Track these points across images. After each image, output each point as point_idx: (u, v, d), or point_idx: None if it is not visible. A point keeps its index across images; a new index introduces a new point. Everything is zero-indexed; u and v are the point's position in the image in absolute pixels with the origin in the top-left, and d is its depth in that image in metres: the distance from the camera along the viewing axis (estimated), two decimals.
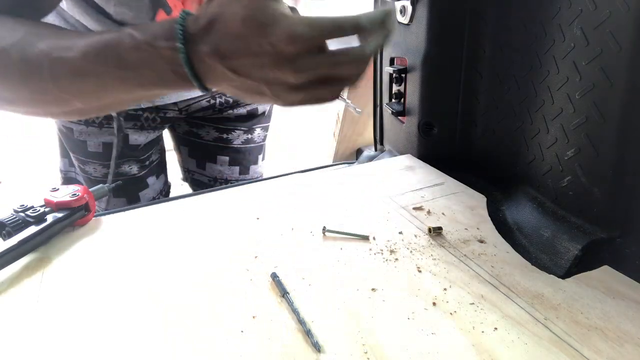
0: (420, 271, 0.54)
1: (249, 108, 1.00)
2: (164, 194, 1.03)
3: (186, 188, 1.12)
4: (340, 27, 0.40)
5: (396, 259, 0.56)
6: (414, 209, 0.68)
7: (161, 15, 0.64)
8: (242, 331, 0.45)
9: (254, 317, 0.47)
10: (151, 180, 0.97)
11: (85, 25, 0.74)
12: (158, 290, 0.51)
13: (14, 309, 0.49)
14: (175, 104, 0.91)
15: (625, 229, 0.53)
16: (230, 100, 0.97)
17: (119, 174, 0.91)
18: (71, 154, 0.91)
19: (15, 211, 0.60)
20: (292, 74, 0.40)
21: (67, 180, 0.96)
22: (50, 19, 0.76)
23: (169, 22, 0.44)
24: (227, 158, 1.02)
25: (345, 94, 0.59)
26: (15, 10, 0.53)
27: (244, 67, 0.41)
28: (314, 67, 0.40)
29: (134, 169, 0.93)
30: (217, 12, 0.41)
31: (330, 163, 1.45)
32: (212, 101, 0.94)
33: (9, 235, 0.57)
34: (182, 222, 0.65)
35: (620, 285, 0.51)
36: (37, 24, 0.53)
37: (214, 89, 0.44)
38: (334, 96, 0.44)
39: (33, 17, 0.55)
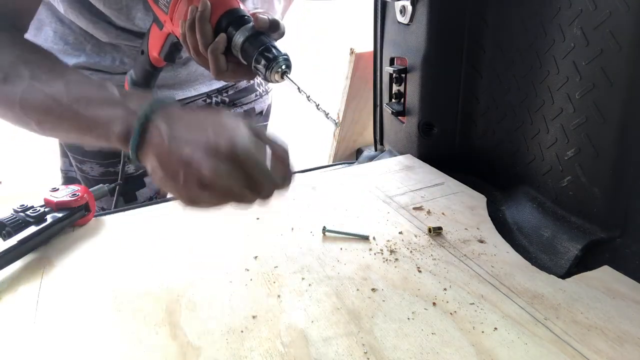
0: (420, 271, 0.54)
1: (245, 108, 1.00)
2: (161, 193, 1.03)
3: None
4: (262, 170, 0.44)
5: (396, 259, 0.56)
6: (414, 209, 0.68)
7: (154, 30, 0.65)
8: (242, 331, 0.45)
9: (254, 317, 0.47)
10: (148, 179, 0.97)
11: (80, 27, 0.74)
12: (158, 290, 0.51)
13: (14, 309, 0.49)
14: None
15: (625, 229, 0.53)
16: (227, 99, 0.97)
17: (116, 173, 0.91)
18: (69, 154, 0.92)
19: (15, 211, 0.60)
20: (211, 170, 0.42)
21: (68, 179, 0.96)
22: (47, 20, 0.76)
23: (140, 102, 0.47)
24: None
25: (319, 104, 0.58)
26: None
27: (183, 141, 0.44)
28: (230, 178, 0.43)
29: (131, 167, 0.93)
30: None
31: (330, 163, 1.45)
32: (209, 100, 0.94)
33: (9, 235, 0.57)
34: (182, 222, 0.65)
35: (620, 285, 0.51)
36: (28, 46, 0.57)
37: (139, 164, 0.48)
38: (234, 203, 0.46)
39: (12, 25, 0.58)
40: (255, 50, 0.54)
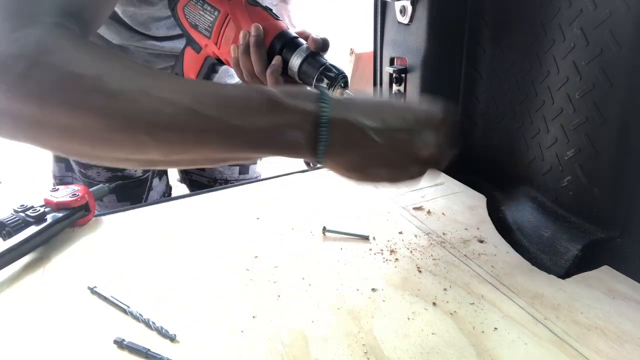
0: (420, 271, 0.54)
1: None
2: (166, 195, 1.03)
3: (184, 189, 1.11)
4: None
5: (396, 259, 0.56)
6: (414, 209, 0.68)
7: (190, 53, 0.66)
8: (242, 331, 0.45)
9: (254, 317, 0.47)
10: (155, 181, 0.97)
11: (105, 38, 0.75)
12: (158, 291, 0.51)
13: (14, 309, 0.49)
14: None
15: (625, 229, 0.53)
16: None
17: (124, 177, 0.91)
18: (71, 159, 0.91)
19: (15, 211, 0.60)
20: (433, 142, 0.43)
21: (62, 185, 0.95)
22: None
23: (309, 91, 0.42)
24: None
25: None
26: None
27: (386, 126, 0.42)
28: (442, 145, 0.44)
29: (138, 171, 0.93)
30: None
31: None
32: None
33: (9, 235, 0.57)
34: (182, 222, 0.65)
35: (620, 285, 0.51)
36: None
37: (322, 164, 0.43)
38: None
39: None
40: (315, 71, 0.57)
